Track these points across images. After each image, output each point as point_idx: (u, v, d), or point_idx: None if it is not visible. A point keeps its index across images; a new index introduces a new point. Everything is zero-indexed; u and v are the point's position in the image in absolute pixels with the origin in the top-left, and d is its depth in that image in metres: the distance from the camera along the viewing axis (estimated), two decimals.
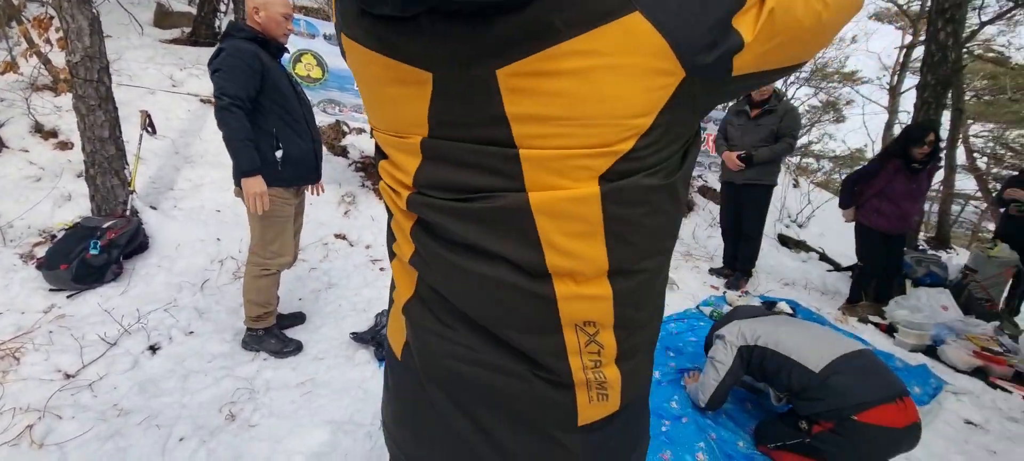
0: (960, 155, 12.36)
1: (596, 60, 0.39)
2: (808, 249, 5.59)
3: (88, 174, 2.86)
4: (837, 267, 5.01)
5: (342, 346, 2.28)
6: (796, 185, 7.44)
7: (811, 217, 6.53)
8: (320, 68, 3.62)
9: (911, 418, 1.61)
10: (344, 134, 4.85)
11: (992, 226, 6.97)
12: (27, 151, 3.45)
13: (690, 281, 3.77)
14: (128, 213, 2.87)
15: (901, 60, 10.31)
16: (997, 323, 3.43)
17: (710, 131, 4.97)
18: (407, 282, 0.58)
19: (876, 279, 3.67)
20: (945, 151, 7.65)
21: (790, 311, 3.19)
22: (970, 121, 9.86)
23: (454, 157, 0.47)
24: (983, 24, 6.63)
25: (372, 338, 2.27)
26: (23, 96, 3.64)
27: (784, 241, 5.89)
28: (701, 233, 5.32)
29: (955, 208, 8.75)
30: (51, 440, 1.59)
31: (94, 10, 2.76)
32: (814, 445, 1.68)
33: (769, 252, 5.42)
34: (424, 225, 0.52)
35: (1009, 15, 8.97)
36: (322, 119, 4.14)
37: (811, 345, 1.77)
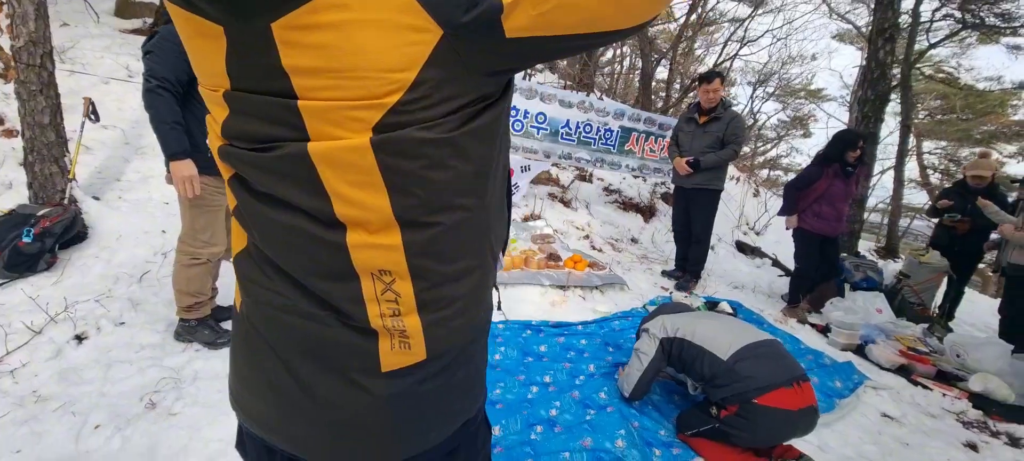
0: (914, 171, 12.98)
1: (350, 14, 0.42)
2: (762, 255, 5.79)
3: (27, 161, 2.79)
4: (787, 272, 5.20)
5: None
6: (756, 194, 7.69)
7: (768, 225, 6.76)
8: None
9: (806, 402, 1.71)
10: None
11: None
12: None
13: (641, 282, 3.87)
14: (66, 202, 2.80)
15: (860, 79, 10.82)
16: (925, 325, 3.62)
17: (667, 137, 5.12)
18: (239, 235, 0.59)
19: (813, 281, 3.84)
20: (894, 165, 8.05)
21: (731, 311, 3.30)
22: (919, 138, 10.35)
23: (251, 109, 0.48)
24: (932, 45, 7.00)
25: None
26: None
27: (741, 247, 6.09)
28: (660, 237, 5.46)
29: (904, 221, 9.19)
30: None
31: None
32: (723, 430, 1.77)
33: (725, 257, 5.61)
34: (238, 177, 0.53)
35: (960, 37, 9.51)
36: None
37: (722, 336, 1.87)
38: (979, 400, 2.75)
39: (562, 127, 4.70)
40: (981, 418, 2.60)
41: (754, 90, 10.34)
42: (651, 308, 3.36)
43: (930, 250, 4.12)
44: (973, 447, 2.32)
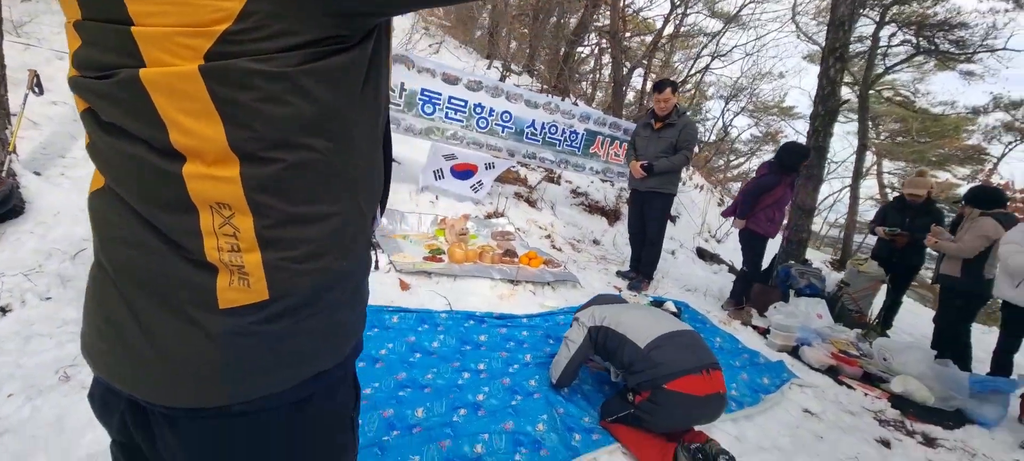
0: (873, 188, 13.52)
1: None
2: (720, 261, 5.96)
3: None
4: (741, 276, 5.38)
5: None
6: (721, 203, 7.92)
7: (728, 234, 6.96)
8: None
9: (714, 389, 1.79)
10: None
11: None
12: None
13: (595, 281, 3.95)
14: (3, 175, 2.72)
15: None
16: (860, 331, 3.80)
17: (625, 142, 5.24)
18: (97, 174, 0.59)
19: (757, 282, 4.01)
20: (851, 183, 8.39)
21: (675, 310, 3.41)
22: (880, 157, 10.79)
23: (95, 37, 0.49)
24: (887, 69, 7.33)
25: None
26: None
27: (701, 254, 6.25)
28: (622, 240, 5.56)
29: (859, 237, 9.62)
30: None
31: None
32: (637, 415, 1.84)
33: (684, 262, 5.75)
34: (90, 110, 0.53)
35: (918, 62, 9.98)
36: None
37: (643, 325, 1.95)
38: (899, 401, 2.90)
39: (527, 127, 4.77)
40: (898, 417, 2.74)
41: (726, 103, 10.62)
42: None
43: (869, 260, 4.32)
44: (886, 443, 2.45)
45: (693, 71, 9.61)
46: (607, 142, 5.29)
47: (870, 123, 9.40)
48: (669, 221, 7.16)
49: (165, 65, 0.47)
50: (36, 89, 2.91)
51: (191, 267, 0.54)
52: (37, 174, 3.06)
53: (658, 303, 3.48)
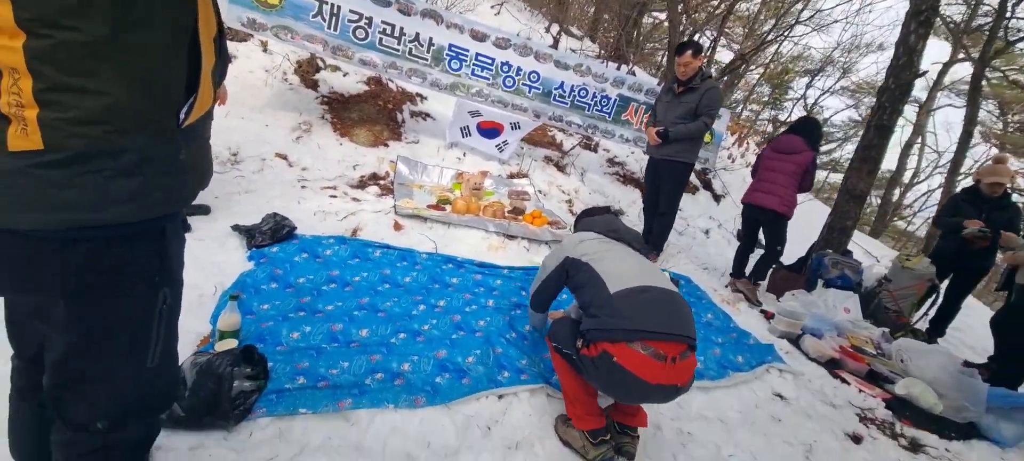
0: None
1: None
2: (759, 247, 5.57)
3: None
4: (787, 268, 5.01)
5: (223, 234, 2.64)
6: None
7: None
8: None
9: (670, 380, 1.55)
10: (318, 70, 5.19)
11: None
12: None
13: None
14: None
15: (935, 78, 9.58)
16: (887, 329, 3.45)
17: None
18: None
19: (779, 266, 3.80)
20: (946, 175, 7.24)
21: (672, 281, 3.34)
22: (996, 149, 9.13)
23: None
24: (1010, 43, 6.14)
25: (247, 231, 2.62)
26: None
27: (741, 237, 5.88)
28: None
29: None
30: None
31: None
32: (578, 364, 1.69)
33: (717, 242, 5.48)
34: None
35: None
36: (283, 46, 4.47)
37: (624, 271, 1.73)
38: (898, 403, 2.66)
39: (556, 88, 4.73)
40: (889, 419, 2.53)
41: (811, 79, 9.50)
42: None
43: (919, 256, 3.84)
44: (856, 438, 2.30)
45: (780, 37, 8.59)
46: (642, 110, 5.08)
47: (992, 109, 7.93)
48: (714, 200, 6.78)
49: None
50: None
51: None
52: None
53: None
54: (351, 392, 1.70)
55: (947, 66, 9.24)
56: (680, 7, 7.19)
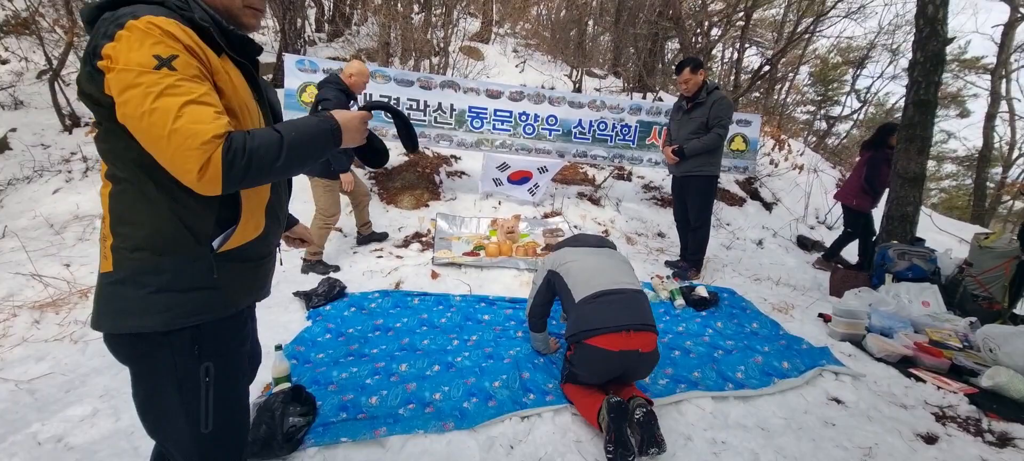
0: None
1: None
2: (821, 250, 5.21)
3: None
4: (846, 265, 4.65)
5: (286, 300, 3.02)
6: (840, 183, 6.77)
7: (839, 218, 5.98)
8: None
9: (632, 346, 1.86)
10: None
11: None
12: None
13: (635, 270, 3.92)
14: None
15: (1000, 40, 8.67)
16: (973, 319, 3.09)
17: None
18: None
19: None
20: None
21: (706, 296, 3.26)
22: None
23: None
24: None
25: (305, 295, 2.99)
26: None
27: (802, 243, 5.54)
28: None
29: None
30: (82, 336, 2.54)
31: None
32: (572, 371, 1.99)
33: (774, 251, 5.23)
34: None
35: None
36: None
37: (589, 278, 2.05)
38: (984, 397, 2.36)
39: (574, 127, 4.95)
40: (974, 414, 2.25)
41: (856, 69, 8.96)
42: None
43: (1001, 233, 3.43)
44: (930, 439, 2.08)
45: (805, 35, 8.28)
46: (665, 131, 5.13)
47: None
48: (765, 209, 6.46)
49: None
50: None
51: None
52: None
53: (690, 289, 3.37)
54: (386, 421, 1.88)
55: (1009, 27, 8.37)
56: (689, 25, 7.25)
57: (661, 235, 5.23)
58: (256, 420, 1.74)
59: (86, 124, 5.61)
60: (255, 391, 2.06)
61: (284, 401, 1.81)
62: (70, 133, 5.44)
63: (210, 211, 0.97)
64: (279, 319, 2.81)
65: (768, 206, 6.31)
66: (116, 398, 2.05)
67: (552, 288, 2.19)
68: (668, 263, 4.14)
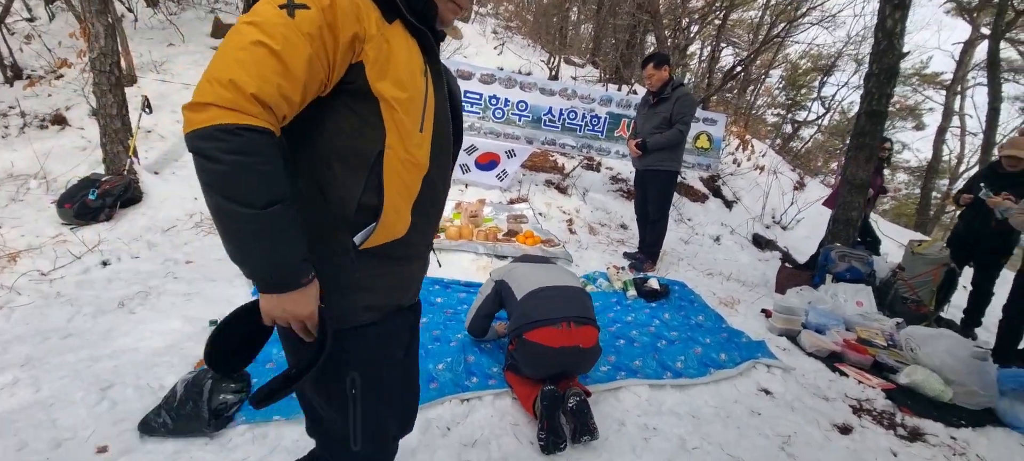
0: None
1: None
2: (775, 249, 5.42)
3: (102, 142, 3.85)
4: (795, 265, 4.85)
5: (231, 271, 2.94)
6: (800, 186, 7.05)
7: (799, 220, 6.23)
8: None
9: (572, 342, 1.89)
10: None
11: None
12: (82, 128, 4.61)
13: (593, 261, 4.00)
14: (125, 172, 3.80)
15: (959, 57, 9.13)
16: (899, 320, 3.29)
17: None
18: None
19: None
20: (980, 157, 6.79)
21: (658, 287, 3.36)
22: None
23: None
24: (1019, 13, 5.87)
25: None
26: (83, 86, 4.81)
27: (757, 241, 5.74)
28: None
29: None
30: (7, 302, 2.41)
31: (109, 19, 3.72)
32: (514, 363, 2.02)
33: (730, 248, 5.40)
34: None
35: None
36: None
37: (531, 278, 2.10)
38: (900, 393, 2.53)
39: (544, 114, 4.94)
40: (889, 409, 2.42)
41: (823, 76, 9.26)
42: (582, 280, 3.54)
43: (933, 241, 3.65)
44: (845, 429, 2.22)
45: (776, 39, 8.52)
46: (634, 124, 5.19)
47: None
48: (726, 206, 6.66)
49: None
50: (147, 109, 3.98)
51: None
52: (155, 173, 4.17)
53: (643, 280, 3.46)
54: None
55: (969, 45, 8.80)
56: (667, 20, 7.33)
57: (624, 227, 5.32)
58: (183, 396, 1.70)
59: (28, 76, 5.25)
60: (188, 366, 2.02)
61: (215, 378, 1.77)
62: (11, 86, 5.08)
63: (351, 194, 0.85)
64: (223, 293, 2.74)
65: (729, 204, 6.50)
66: (37, 367, 1.96)
67: (499, 298, 2.20)
68: (626, 254, 4.23)
